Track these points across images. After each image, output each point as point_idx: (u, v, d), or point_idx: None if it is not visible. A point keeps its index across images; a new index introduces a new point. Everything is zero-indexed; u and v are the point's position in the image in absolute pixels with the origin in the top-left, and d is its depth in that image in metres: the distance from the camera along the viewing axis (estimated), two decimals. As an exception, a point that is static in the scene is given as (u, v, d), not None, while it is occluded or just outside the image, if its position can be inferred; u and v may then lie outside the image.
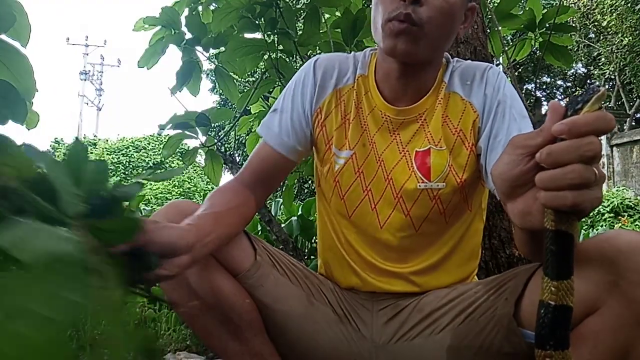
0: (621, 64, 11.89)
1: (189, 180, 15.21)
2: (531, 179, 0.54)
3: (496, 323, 0.81)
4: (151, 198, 11.67)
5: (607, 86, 13.74)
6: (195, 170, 15.64)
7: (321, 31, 1.91)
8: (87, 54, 29.78)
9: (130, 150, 16.48)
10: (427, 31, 0.81)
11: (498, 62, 2.32)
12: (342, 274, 0.97)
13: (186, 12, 2.02)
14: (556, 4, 2.34)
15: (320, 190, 1.02)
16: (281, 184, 1.00)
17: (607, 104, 13.62)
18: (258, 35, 1.89)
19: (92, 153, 16.63)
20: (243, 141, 2.60)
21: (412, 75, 0.89)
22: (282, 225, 2.28)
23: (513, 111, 0.86)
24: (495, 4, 2.01)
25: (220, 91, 2.53)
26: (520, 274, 0.82)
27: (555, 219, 0.51)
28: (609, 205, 7.94)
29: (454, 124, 0.89)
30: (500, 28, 1.93)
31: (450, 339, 0.85)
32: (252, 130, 2.24)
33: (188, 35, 1.93)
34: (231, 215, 0.85)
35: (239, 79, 2.46)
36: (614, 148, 9.67)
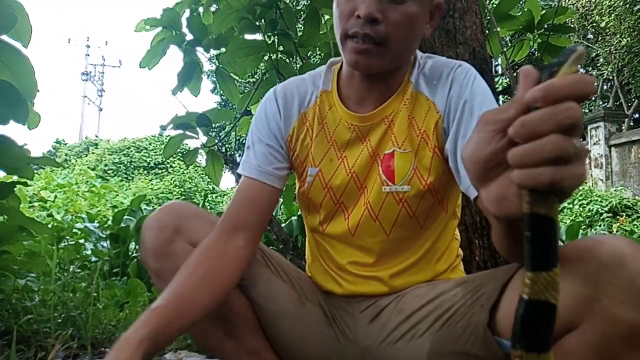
0: (619, 64, 11.88)
1: (190, 180, 15.22)
2: (505, 159, 0.45)
3: (472, 331, 0.78)
4: (152, 198, 11.67)
5: (605, 87, 13.75)
6: (196, 170, 15.65)
7: (321, 32, 1.92)
8: (89, 55, 29.83)
9: (131, 151, 16.48)
10: (390, 47, 0.79)
11: (497, 63, 2.32)
12: (322, 279, 0.98)
13: (187, 13, 2.03)
14: (555, 5, 2.34)
15: (301, 206, 1.02)
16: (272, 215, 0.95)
17: (606, 104, 13.63)
18: (258, 36, 1.90)
19: (93, 153, 16.66)
20: (243, 141, 2.61)
21: (376, 80, 0.87)
22: (282, 225, 2.29)
23: (484, 108, 0.78)
24: (494, 5, 2.02)
25: (221, 92, 2.54)
26: (497, 277, 0.78)
27: (531, 201, 0.43)
28: (607, 205, 7.92)
29: (418, 125, 0.87)
30: (499, 29, 1.94)
31: (430, 344, 0.83)
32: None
33: (189, 37, 1.95)
34: (203, 292, 0.81)
35: (240, 80, 2.46)
36: (612, 148, 9.66)
